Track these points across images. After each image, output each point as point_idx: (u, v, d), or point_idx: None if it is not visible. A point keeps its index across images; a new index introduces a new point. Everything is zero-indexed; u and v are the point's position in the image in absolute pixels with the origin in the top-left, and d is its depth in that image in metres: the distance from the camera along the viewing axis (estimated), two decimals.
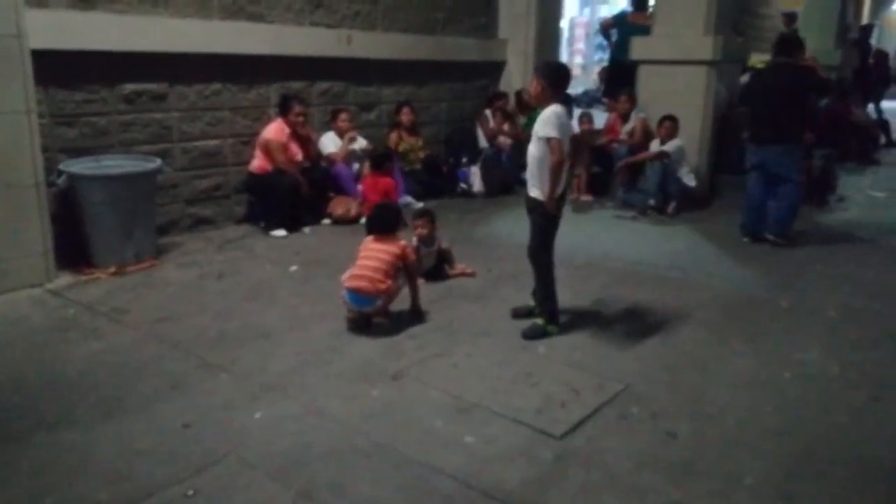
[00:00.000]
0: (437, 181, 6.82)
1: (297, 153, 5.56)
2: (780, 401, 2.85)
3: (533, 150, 3.35)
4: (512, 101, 7.70)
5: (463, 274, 4.39)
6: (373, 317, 3.46)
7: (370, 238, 3.60)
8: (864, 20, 17.92)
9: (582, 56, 20.06)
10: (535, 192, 3.43)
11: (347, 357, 3.17)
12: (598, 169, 7.09)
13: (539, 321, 3.51)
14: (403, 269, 3.55)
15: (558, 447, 2.47)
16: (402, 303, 3.67)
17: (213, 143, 5.44)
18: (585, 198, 6.80)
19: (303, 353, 3.20)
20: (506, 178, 7.12)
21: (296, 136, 5.54)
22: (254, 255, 4.86)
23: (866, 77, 12.14)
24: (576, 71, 20.61)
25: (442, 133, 7.60)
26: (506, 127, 7.46)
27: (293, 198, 5.40)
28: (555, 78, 3.32)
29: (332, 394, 2.82)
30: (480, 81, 7.94)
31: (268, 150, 5.37)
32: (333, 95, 6.31)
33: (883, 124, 10.57)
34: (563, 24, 20.15)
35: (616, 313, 3.85)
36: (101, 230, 4.35)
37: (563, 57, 20.64)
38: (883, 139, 10.47)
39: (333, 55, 6.13)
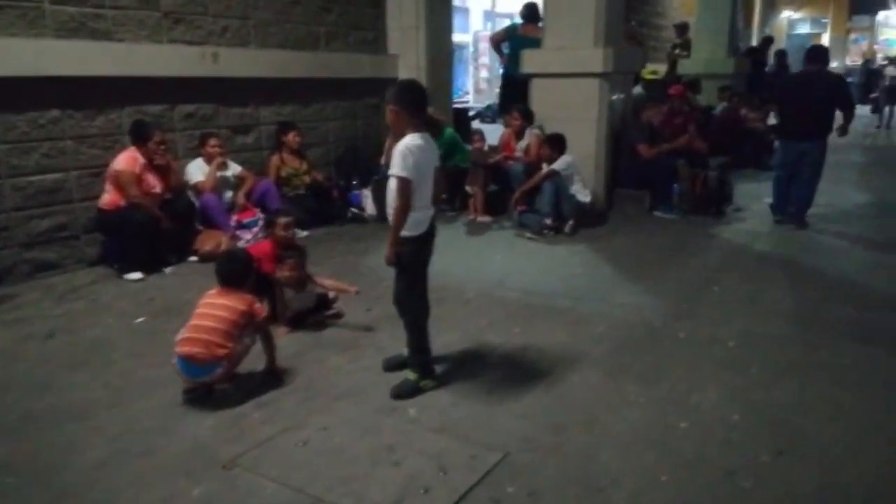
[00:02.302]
0: (326, 207, 6.32)
1: (155, 185, 4.94)
2: (677, 462, 2.51)
3: (391, 184, 2.93)
4: None
5: (343, 290, 3.92)
6: (215, 385, 2.93)
7: (214, 290, 3.08)
8: (755, 29, 18.65)
9: (487, 70, 19.97)
10: None
11: (175, 440, 2.63)
12: (495, 187, 6.77)
13: (411, 376, 3.07)
14: (253, 328, 3.04)
15: None
16: (258, 358, 3.16)
17: (53, 177, 4.77)
18: (483, 219, 6.46)
19: (121, 438, 2.64)
20: None
21: (152, 165, 4.93)
22: (98, 305, 4.23)
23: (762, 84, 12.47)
24: (481, 85, 20.52)
25: (332, 154, 7.11)
26: None
27: (150, 235, 4.78)
28: (408, 100, 2.90)
29: (142, 496, 2.28)
30: (372, 99, 7.49)
31: (118, 183, 4.74)
32: (201, 119, 5.72)
33: (775, 129, 10.78)
34: (468, 38, 20.14)
35: (503, 357, 3.46)
36: None
37: (468, 71, 20.57)
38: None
39: (198, 75, 5.55)
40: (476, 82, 20.73)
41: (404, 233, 2.96)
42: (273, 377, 3.16)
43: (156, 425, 2.74)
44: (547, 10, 6.63)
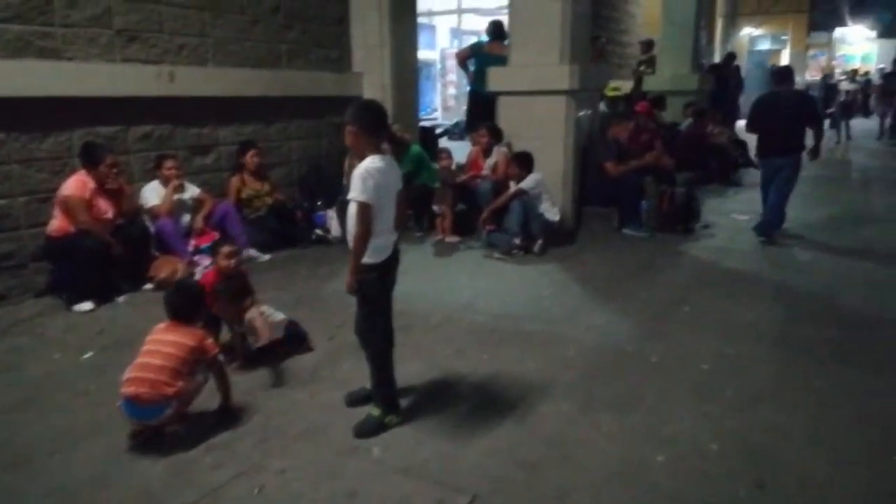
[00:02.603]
0: (289, 229, 6.14)
1: (107, 210, 4.73)
2: (654, 499, 2.40)
3: (351, 209, 2.79)
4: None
5: (261, 335, 3.55)
6: (164, 427, 2.74)
7: (162, 325, 2.90)
8: (717, 45, 18.95)
9: (455, 87, 19.97)
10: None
11: (119, 491, 2.44)
12: (464, 207, 6.67)
13: (374, 412, 2.92)
14: (206, 364, 2.87)
15: None
16: (212, 396, 2.99)
17: None
18: (451, 239, 6.34)
19: (60, 489, 2.45)
20: None
21: (104, 189, 4.72)
22: (44, 339, 4.00)
23: (726, 100, 12.65)
24: (449, 102, 20.51)
25: (295, 174, 6.95)
26: None
27: (101, 262, 4.56)
28: (366, 121, 2.78)
29: None
30: (336, 118, 7.32)
31: (67, 209, 4.52)
32: (157, 140, 5.52)
33: (741, 145, 10.87)
34: (435, 55, 20.14)
35: (471, 387, 3.33)
36: None
37: (436, 89, 20.56)
38: (742, 159, 10.76)
39: (154, 94, 5.36)
40: (444, 99, 20.74)
41: (366, 259, 2.82)
42: (227, 416, 2.98)
43: (99, 473, 2.55)
44: (512, 28, 6.58)
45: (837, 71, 21.71)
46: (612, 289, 4.87)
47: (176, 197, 5.27)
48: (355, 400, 3.09)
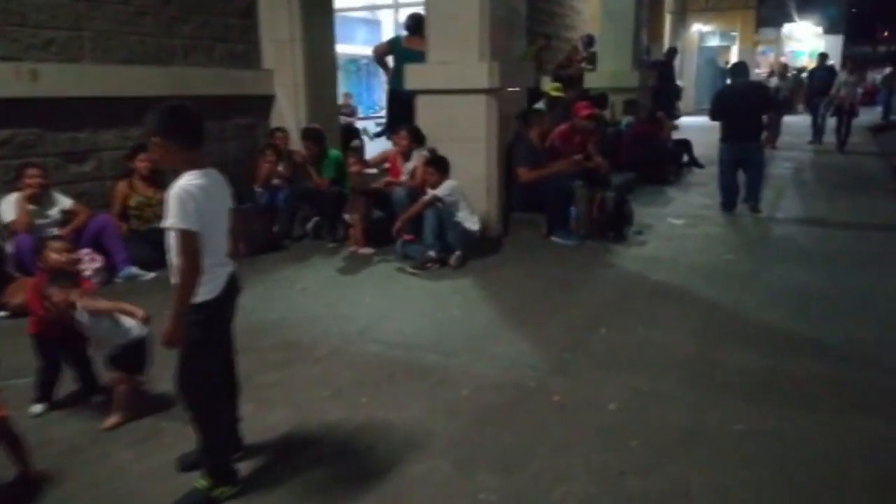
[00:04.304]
0: None
1: None
2: None
3: (170, 240, 2.27)
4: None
5: (127, 313, 2.97)
6: None
7: None
8: (666, 42, 18.75)
9: None
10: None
11: None
12: (381, 214, 6.17)
13: (201, 483, 2.39)
14: None
15: None
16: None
17: None
18: (364, 251, 5.82)
19: None
20: (279, 227, 6.07)
21: None
22: None
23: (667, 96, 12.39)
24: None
25: None
26: (280, 168, 6.39)
27: None
28: (173, 129, 2.26)
29: None
30: (244, 119, 6.79)
31: None
32: (20, 146, 4.90)
33: (684, 143, 10.57)
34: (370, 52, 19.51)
35: (337, 442, 2.82)
36: None
37: (382, 87, 19.89)
38: (686, 158, 10.47)
39: (13, 95, 4.74)
40: None
41: (196, 297, 2.30)
42: (29, 487, 2.43)
43: None
44: (429, 22, 6.09)
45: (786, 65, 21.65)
46: (527, 308, 4.42)
47: (40, 210, 4.65)
48: (189, 464, 2.56)
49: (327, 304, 4.50)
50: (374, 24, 19.21)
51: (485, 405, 3.11)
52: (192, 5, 6.10)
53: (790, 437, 2.81)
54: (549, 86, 10.18)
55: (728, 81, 7.91)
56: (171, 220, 2.19)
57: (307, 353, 3.72)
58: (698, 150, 10.46)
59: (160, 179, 5.62)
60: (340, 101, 14.80)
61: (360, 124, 13.63)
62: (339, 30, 15.80)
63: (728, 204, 7.23)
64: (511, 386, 3.30)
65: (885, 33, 33.59)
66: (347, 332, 4.03)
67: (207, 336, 2.38)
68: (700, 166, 10.25)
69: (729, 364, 3.53)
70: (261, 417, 2.96)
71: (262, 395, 3.20)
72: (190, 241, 2.19)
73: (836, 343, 3.80)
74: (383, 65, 7.38)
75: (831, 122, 12.64)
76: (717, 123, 7.26)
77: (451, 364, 3.55)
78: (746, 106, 6.91)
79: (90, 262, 4.88)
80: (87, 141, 5.34)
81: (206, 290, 2.32)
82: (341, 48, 16.77)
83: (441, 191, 5.34)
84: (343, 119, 13.83)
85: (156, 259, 5.23)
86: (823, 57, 13.82)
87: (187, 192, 2.19)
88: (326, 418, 3.00)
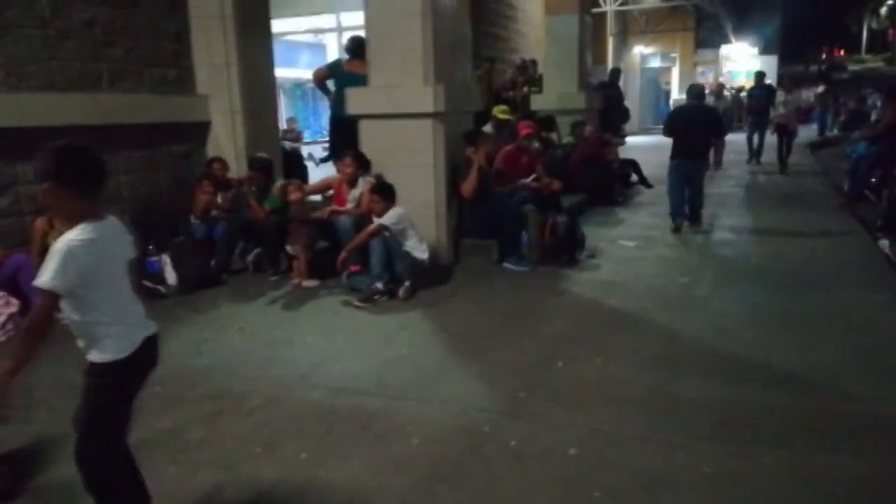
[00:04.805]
0: None
1: None
2: None
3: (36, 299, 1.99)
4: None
5: None
6: None
7: None
8: (610, 64, 19.02)
9: None
10: (83, 348, 2.07)
11: None
12: (326, 244, 5.88)
13: None
14: None
15: None
16: None
17: None
18: (308, 283, 5.53)
19: None
20: (217, 261, 5.74)
21: None
22: None
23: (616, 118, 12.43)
24: None
25: (126, 214, 5.94)
26: (219, 199, 6.06)
27: None
28: (63, 173, 1.99)
29: None
30: (179, 147, 6.44)
31: None
32: None
33: (633, 164, 10.59)
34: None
35: None
36: None
37: (321, 110, 19.55)
38: (635, 178, 10.48)
39: None
40: None
41: (102, 357, 2.03)
42: None
43: None
44: (370, 44, 5.89)
45: (726, 86, 22.21)
46: (480, 343, 4.20)
47: None
48: None
49: (265, 345, 4.19)
50: (319, 48, 18.96)
51: (436, 457, 2.86)
52: (119, 29, 5.76)
53: (761, 479, 2.64)
54: (496, 108, 10.08)
55: (671, 101, 8.36)
56: (44, 277, 1.91)
57: (240, 403, 3.41)
58: (646, 170, 10.49)
59: None
60: (284, 126, 14.58)
61: (305, 150, 13.33)
62: (284, 54, 15.59)
63: (676, 217, 7.35)
64: (464, 433, 3.06)
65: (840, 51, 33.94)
66: (286, 376, 3.74)
67: (114, 403, 2.08)
68: (649, 186, 10.27)
69: (691, 398, 3.36)
70: (184, 483, 2.66)
71: (186, 455, 2.90)
72: (49, 302, 1.95)
73: (796, 369, 3.68)
74: (324, 89, 7.14)
75: (770, 140, 12.75)
76: (663, 143, 7.36)
77: (399, 410, 3.29)
78: (696, 126, 7.18)
79: (4, 307, 4.51)
80: (2, 174, 4.94)
81: (113, 348, 2.06)
82: (286, 72, 16.49)
83: (387, 219, 5.10)
84: (289, 144, 13.52)
85: None
86: (761, 76, 13.70)
87: (70, 252, 1.93)
88: (260, 479, 2.71)
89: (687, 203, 7.29)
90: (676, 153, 7.29)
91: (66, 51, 5.35)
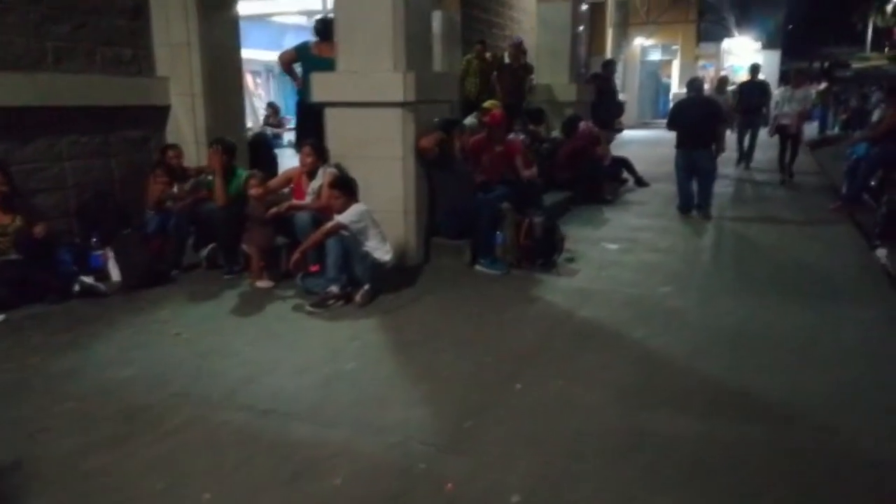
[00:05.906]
0: (39, 276, 4.75)
1: None
2: None
3: None
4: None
5: None
6: None
7: None
8: (609, 55, 18.53)
9: None
10: None
11: None
12: (285, 241, 5.49)
13: None
14: None
15: None
16: None
17: None
18: (263, 284, 5.14)
19: None
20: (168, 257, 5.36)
21: None
22: None
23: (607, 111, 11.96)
24: None
25: (72, 203, 5.55)
26: (175, 189, 5.65)
27: None
28: None
29: None
30: (134, 132, 6.03)
31: None
32: None
33: (624, 162, 10.17)
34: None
35: None
36: None
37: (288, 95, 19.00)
38: (629, 176, 10.07)
39: None
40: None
41: None
42: None
43: None
44: (337, 26, 5.47)
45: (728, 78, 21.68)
46: (433, 359, 3.81)
47: None
48: None
49: (198, 355, 3.81)
50: (305, 31, 18.42)
51: (357, 501, 2.49)
52: (67, 4, 5.35)
53: None
54: (488, 102, 9.66)
55: (671, 95, 8.57)
56: None
57: (156, 424, 3.04)
58: (642, 167, 10.10)
59: (19, 204, 4.88)
60: (264, 111, 14.12)
61: (287, 137, 12.89)
62: (272, 36, 15.05)
63: (684, 208, 7.84)
64: (396, 470, 2.69)
65: None
66: (212, 393, 3.36)
67: None
68: (645, 185, 9.86)
69: (659, 431, 3.00)
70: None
71: (78, 488, 2.54)
72: None
73: (779, 398, 3.32)
74: (291, 73, 6.72)
75: (768, 140, 11.84)
76: (662, 138, 7.17)
77: (328, 439, 2.92)
78: (698, 117, 7.59)
79: None
80: None
81: None
82: (272, 55, 15.97)
83: (346, 217, 4.70)
84: (271, 130, 13.03)
85: (6, 298, 4.51)
86: (755, 69, 11.85)
87: None
88: None
89: (697, 194, 7.71)
90: (680, 142, 7.80)
91: (7, 26, 4.95)
